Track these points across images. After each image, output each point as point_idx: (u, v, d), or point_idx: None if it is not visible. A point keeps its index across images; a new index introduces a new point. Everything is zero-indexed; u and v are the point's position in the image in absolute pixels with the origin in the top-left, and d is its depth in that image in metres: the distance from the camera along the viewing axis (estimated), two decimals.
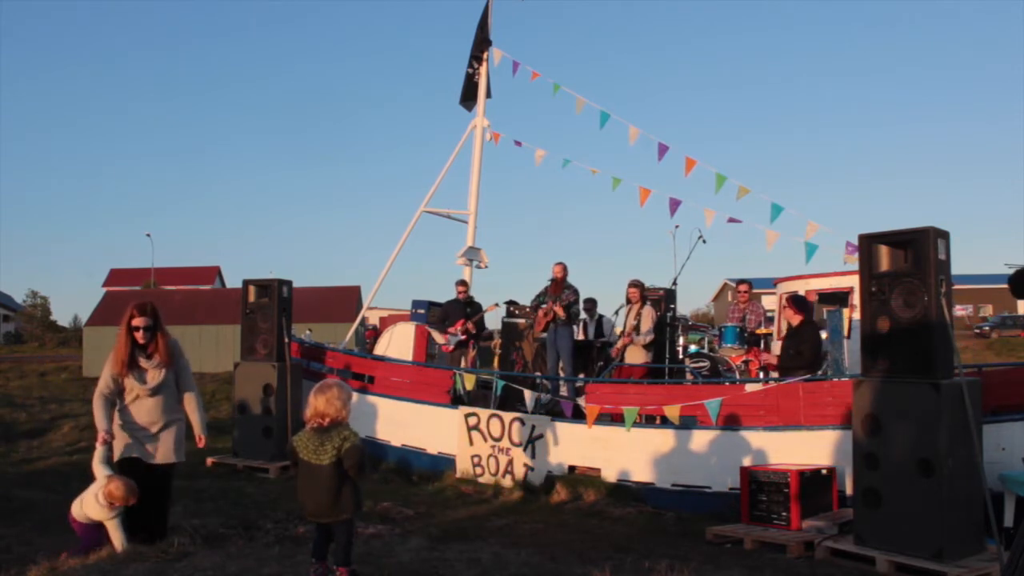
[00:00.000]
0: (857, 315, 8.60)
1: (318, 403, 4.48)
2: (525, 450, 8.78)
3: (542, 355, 11.76)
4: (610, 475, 8.38)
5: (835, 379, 7.80)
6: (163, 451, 5.50)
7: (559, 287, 11.07)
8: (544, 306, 11.08)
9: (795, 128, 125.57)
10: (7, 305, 67.63)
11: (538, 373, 11.34)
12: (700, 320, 41.18)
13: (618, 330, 11.55)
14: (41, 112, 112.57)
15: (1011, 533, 6.05)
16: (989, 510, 5.47)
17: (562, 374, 10.90)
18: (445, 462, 9.41)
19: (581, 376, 11.21)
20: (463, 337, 11.64)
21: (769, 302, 13.41)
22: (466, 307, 11.84)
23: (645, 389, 8.68)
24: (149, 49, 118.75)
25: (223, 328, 26.91)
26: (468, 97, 13.49)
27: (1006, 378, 7.75)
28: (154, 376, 5.44)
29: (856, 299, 8.83)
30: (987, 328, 45.55)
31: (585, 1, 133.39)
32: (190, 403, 5.66)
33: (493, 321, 13.13)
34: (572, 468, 8.66)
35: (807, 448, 7.43)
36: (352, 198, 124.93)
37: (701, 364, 11.19)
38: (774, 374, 8.98)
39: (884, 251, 6.10)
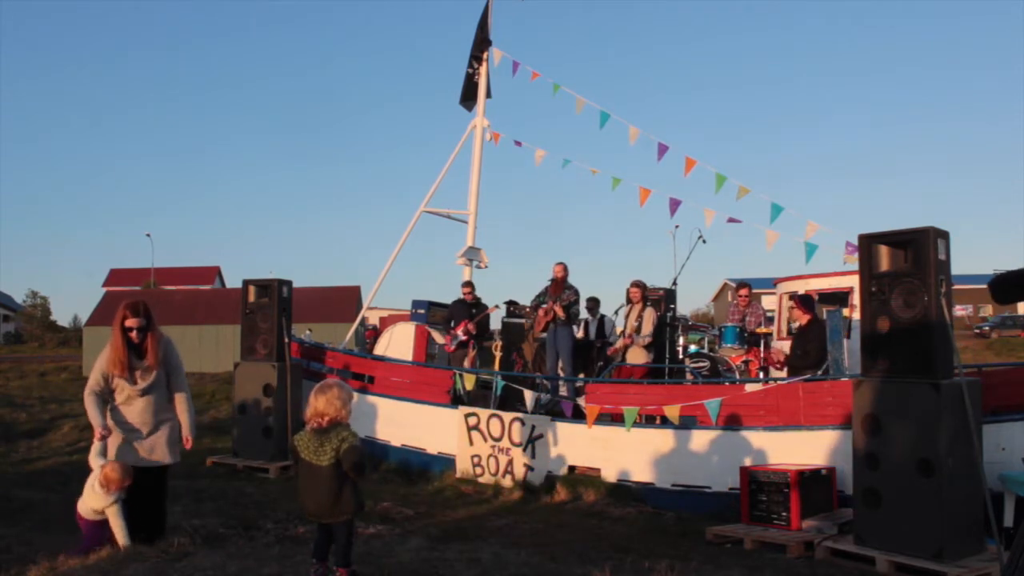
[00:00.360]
0: (857, 315, 8.60)
1: (318, 403, 4.48)
2: (525, 450, 8.78)
3: (542, 355, 11.76)
4: (610, 475, 8.38)
5: (835, 379, 7.81)
6: (156, 452, 5.46)
7: (559, 287, 11.07)
8: (544, 306, 11.08)
9: (795, 128, 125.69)
10: (7, 305, 67.65)
11: (538, 373, 11.34)
12: (700, 320, 41.15)
13: (619, 330, 11.55)
14: (41, 112, 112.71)
15: (1011, 533, 6.04)
16: (989, 510, 5.48)
17: (562, 374, 10.90)
18: (445, 462, 9.41)
19: (581, 376, 11.21)
20: (464, 338, 11.64)
21: (769, 302, 13.41)
22: (471, 308, 11.84)
23: (645, 389, 8.68)
24: (149, 49, 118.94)
25: (223, 328, 26.91)
26: (468, 97, 13.49)
27: (1006, 378, 7.76)
28: (145, 377, 5.38)
29: (856, 299, 8.83)
30: (987, 328, 45.56)
31: (585, 1, 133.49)
32: (180, 404, 5.57)
33: (494, 322, 13.13)
34: (572, 468, 8.66)
35: (807, 448, 7.43)
36: (352, 198, 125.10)
37: (701, 364, 11.18)
38: (781, 372, 8.98)
39: (884, 251, 6.10)
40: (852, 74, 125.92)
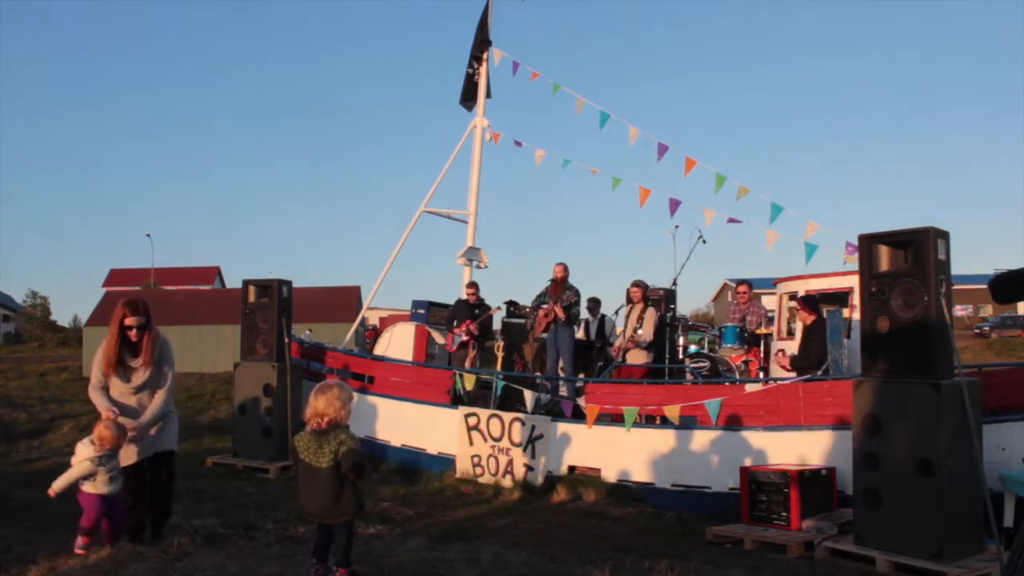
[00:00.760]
0: (857, 315, 8.60)
1: (318, 403, 4.48)
2: (525, 450, 8.78)
3: (542, 355, 11.76)
4: (610, 475, 8.38)
5: (835, 379, 7.81)
6: (156, 443, 5.48)
7: (559, 287, 11.07)
8: (545, 307, 11.07)
9: (795, 128, 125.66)
10: (7, 305, 67.61)
11: (538, 373, 11.34)
12: (700, 320, 41.15)
13: (619, 330, 11.55)
14: (41, 112, 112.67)
15: (1011, 533, 6.04)
16: (989, 510, 5.48)
17: (562, 374, 10.90)
18: (445, 462, 9.41)
19: (581, 376, 11.21)
20: (466, 339, 11.64)
21: (769, 302, 13.41)
22: (474, 309, 11.84)
23: (645, 389, 8.68)
24: (149, 49, 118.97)
25: (223, 328, 26.91)
26: (468, 97, 13.50)
27: (1006, 378, 7.76)
28: (139, 375, 5.40)
29: (856, 299, 8.83)
30: (987, 328, 45.52)
31: (585, 1, 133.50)
32: (156, 399, 5.44)
33: (494, 322, 13.13)
34: (572, 468, 8.65)
35: (807, 448, 7.43)
36: (352, 198, 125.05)
37: (701, 364, 11.19)
38: (791, 374, 8.98)
39: (884, 251, 6.10)
40: (852, 74, 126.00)
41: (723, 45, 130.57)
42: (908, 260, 5.95)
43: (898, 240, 6.03)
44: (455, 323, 11.83)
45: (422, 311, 13.41)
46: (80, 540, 5.18)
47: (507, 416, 8.98)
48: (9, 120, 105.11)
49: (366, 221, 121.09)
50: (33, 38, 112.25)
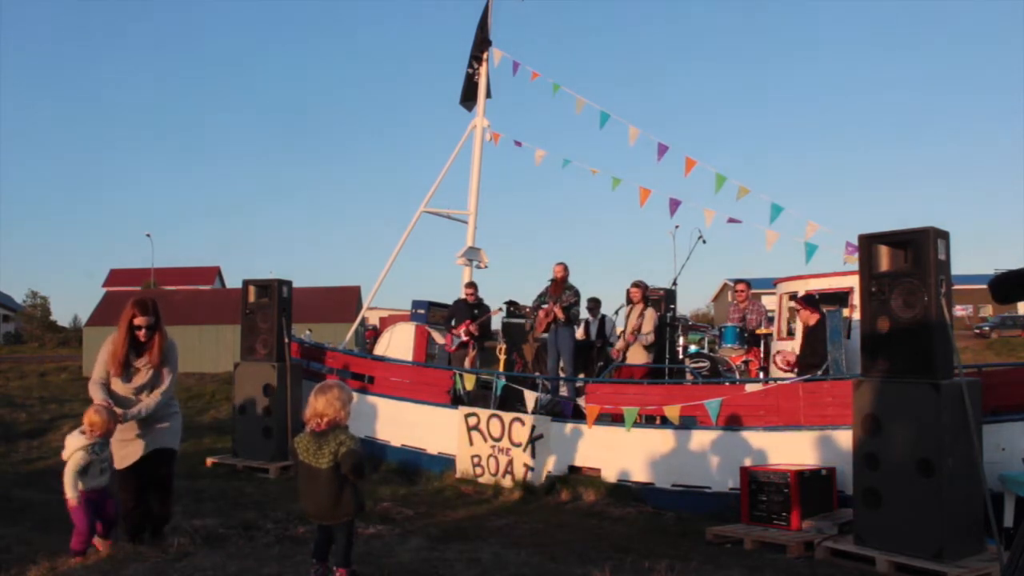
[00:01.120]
0: (857, 315, 8.60)
1: (318, 404, 4.48)
2: (525, 450, 8.78)
3: (542, 355, 11.76)
4: (610, 475, 8.38)
5: (835, 379, 7.81)
6: (157, 440, 5.44)
7: (559, 287, 11.07)
8: (545, 307, 11.07)
9: (795, 128, 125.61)
10: (7, 305, 67.61)
11: (538, 373, 11.34)
12: (700, 320, 41.16)
13: (619, 330, 11.55)
14: (41, 111, 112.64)
15: (1011, 533, 6.04)
16: (989, 510, 5.48)
17: (563, 374, 10.90)
18: (445, 462, 9.41)
19: (581, 376, 11.21)
20: (466, 339, 11.65)
21: (769, 302, 13.41)
22: (474, 309, 11.85)
23: (645, 389, 8.68)
24: (149, 48, 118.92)
25: (223, 328, 26.94)
26: (468, 97, 13.50)
27: (1006, 378, 7.76)
28: (141, 376, 5.37)
29: (856, 299, 8.83)
30: (987, 328, 45.50)
31: (585, 1, 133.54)
32: (152, 396, 5.38)
33: (494, 323, 13.14)
34: (572, 468, 8.66)
35: (807, 448, 7.43)
36: (352, 199, 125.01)
37: (701, 364, 11.19)
38: (788, 374, 8.98)
39: (884, 251, 6.10)
40: (852, 73, 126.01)
41: (723, 45, 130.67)
42: (908, 260, 5.95)
43: (898, 240, 6.03)
44: (453, 323, 11.83)
45: (422, 311, 13.41)
46: (73, 561, 4.97)
47: (507, 416, 8.98)
48: (9, 120, 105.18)
49: (366, 221, 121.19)
50: (33, 38, 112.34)
